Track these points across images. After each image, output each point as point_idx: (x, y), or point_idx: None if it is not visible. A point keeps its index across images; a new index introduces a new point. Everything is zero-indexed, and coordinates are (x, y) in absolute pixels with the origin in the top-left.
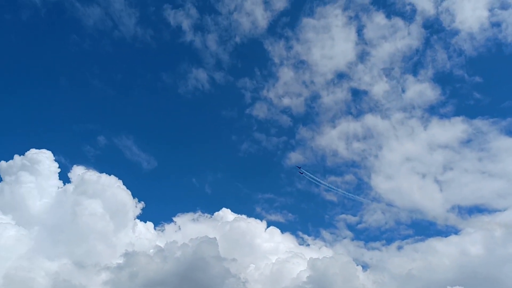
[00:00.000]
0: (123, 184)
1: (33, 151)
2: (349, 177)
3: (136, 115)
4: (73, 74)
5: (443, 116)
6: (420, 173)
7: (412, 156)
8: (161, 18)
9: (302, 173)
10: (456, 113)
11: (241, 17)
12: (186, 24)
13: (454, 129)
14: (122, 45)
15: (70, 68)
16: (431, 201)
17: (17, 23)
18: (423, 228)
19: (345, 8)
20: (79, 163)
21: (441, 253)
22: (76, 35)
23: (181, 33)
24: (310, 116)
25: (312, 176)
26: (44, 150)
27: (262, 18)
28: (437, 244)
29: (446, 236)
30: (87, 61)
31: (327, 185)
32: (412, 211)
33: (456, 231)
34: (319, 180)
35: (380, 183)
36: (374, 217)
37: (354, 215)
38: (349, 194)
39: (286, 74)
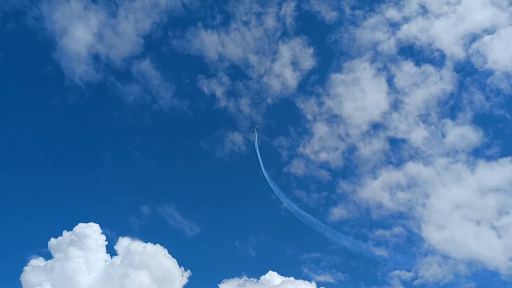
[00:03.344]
0: (169, 253)
1: (81, 225)
2: (397, 230)
3: (177, 183)
4: (117, 148)
5: (490, 158)
6: (474, 220)
7: (463, 203)
8: (196, 89)
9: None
10: (504, 154)
11: (271, 79)
12: (219, 92)
13: (504, 170)
14: (161, 117)
15: (114, 143)
16: (490, 249)
17: (64, 106)
18: (486, 280)
19: (372, 61)
20: (124, 234)
21: None
22: (118, 112)
23: (215, 100)
24: (349, 169)
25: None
26: (91, 224)
27: (291, 78)
28: None
29: None
30: (129, 135)
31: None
32: (471, 262)
33: None
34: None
35: (432, 234)
36: (430, 271)
37: (409, 271)
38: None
39: (320, 129)
